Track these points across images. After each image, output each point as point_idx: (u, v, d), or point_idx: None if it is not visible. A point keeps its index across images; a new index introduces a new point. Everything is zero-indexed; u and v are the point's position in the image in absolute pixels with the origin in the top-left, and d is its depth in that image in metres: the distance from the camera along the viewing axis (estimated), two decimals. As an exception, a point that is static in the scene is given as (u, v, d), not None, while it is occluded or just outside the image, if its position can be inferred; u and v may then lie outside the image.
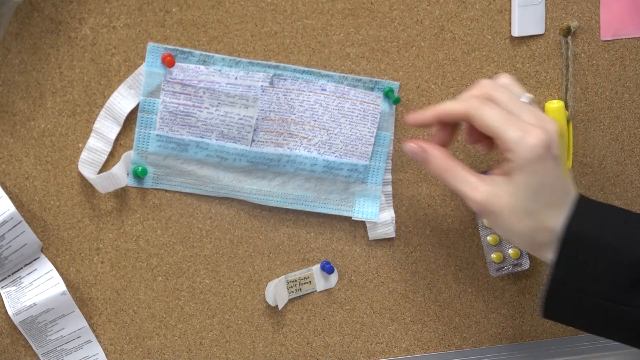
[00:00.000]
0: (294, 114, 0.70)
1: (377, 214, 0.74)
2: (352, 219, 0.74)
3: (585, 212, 0.64)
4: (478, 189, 0.63)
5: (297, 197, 0.73)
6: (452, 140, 0.69)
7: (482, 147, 0.68)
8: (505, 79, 0.66)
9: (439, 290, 0.78)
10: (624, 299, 0.62)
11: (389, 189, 0.74)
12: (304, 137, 0.71)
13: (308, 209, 0.73)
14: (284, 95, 0.69)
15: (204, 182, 0.71)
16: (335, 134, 0.71)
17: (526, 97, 0.66)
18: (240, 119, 0.68)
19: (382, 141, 0.73)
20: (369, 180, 0.73)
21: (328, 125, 0.71)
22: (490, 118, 0.62)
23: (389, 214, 0.74)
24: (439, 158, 0.65)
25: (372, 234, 0.75)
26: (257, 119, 0.69)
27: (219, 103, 0.68)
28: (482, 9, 0.72)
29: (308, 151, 0.71)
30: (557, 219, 0.63)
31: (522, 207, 0.62)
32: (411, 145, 0.66)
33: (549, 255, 0.64)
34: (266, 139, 0.70)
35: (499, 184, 0.63)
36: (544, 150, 0.61)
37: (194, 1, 0.67)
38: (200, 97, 0.67)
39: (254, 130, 0.69)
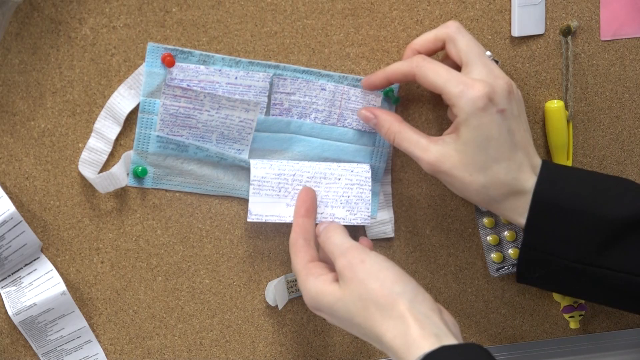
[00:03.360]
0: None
1: (376, 211, 0.74)
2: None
3: (551, 176, 0.65)
4: (429, 149, 0.65)
5: (297, 196, 0.73)
6: None
7: None
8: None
9: (439, 290, 0.78)
10: (594, 260, 0.64)
11: (389, 189, 0.74)
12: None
13: (308, 208, 0.73)
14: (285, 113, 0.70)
15: (204, 181, 0.70)
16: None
17: (487, 53, 0.68)
18: (240, 121, 0.68)
19: (382, 141, 0.73)
20: (369, 180, 0.73)
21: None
22: (434, 76, 0.64)
23: (387, 214, 0.74)
24: (389, 122, 0.67)
25: (370, 233, 0.75)
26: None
27: (219, 106, 0.68)
28: (482, 9, 0.72)
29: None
30: (508, 173, 0.64)
31: (471, 162, 0.63)
32: (364, 112, 0.69)
33: (503, 209, 0.66)
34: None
35: (449, 143, 0.64)
36: (485, 102, 0.62)
37: (194, 1, 0.67)
38: (201, 100, 0.67)
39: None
